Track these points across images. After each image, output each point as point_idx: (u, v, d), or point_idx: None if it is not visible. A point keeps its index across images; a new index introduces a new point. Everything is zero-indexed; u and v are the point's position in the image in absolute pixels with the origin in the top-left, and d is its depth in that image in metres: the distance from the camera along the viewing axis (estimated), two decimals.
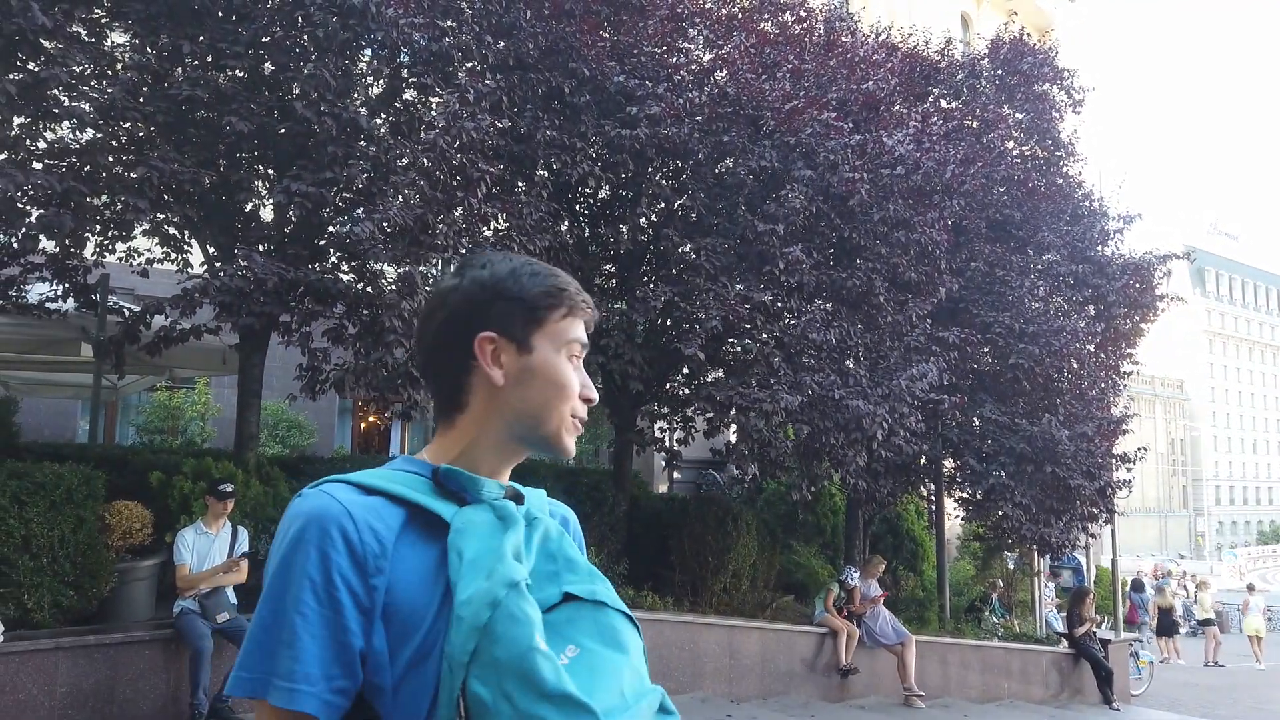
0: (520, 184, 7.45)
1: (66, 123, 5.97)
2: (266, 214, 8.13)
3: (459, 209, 6.08)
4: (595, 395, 1.20)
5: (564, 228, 7.93)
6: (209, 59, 6.32)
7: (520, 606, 0.98)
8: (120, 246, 8.87)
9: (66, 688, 6.24)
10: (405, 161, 5.93)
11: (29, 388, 11.95)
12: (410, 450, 18.22)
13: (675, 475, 16.06)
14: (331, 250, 6.67)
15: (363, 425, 18.68)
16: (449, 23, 6.60)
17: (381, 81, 7.13)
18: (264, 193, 6.22)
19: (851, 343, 8.50)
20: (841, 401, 8.02)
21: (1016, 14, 13.77)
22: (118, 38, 6.85)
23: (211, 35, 6.22)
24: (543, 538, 1.11)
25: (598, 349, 8.65)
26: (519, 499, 1.14)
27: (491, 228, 6.62)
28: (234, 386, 15.74)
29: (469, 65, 6.85)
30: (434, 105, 6.81)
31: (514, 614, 0.98)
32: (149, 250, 9.26)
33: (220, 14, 6.56)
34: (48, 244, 7.60)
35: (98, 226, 7.63)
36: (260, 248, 6.46)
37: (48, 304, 8.69)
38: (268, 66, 6.45)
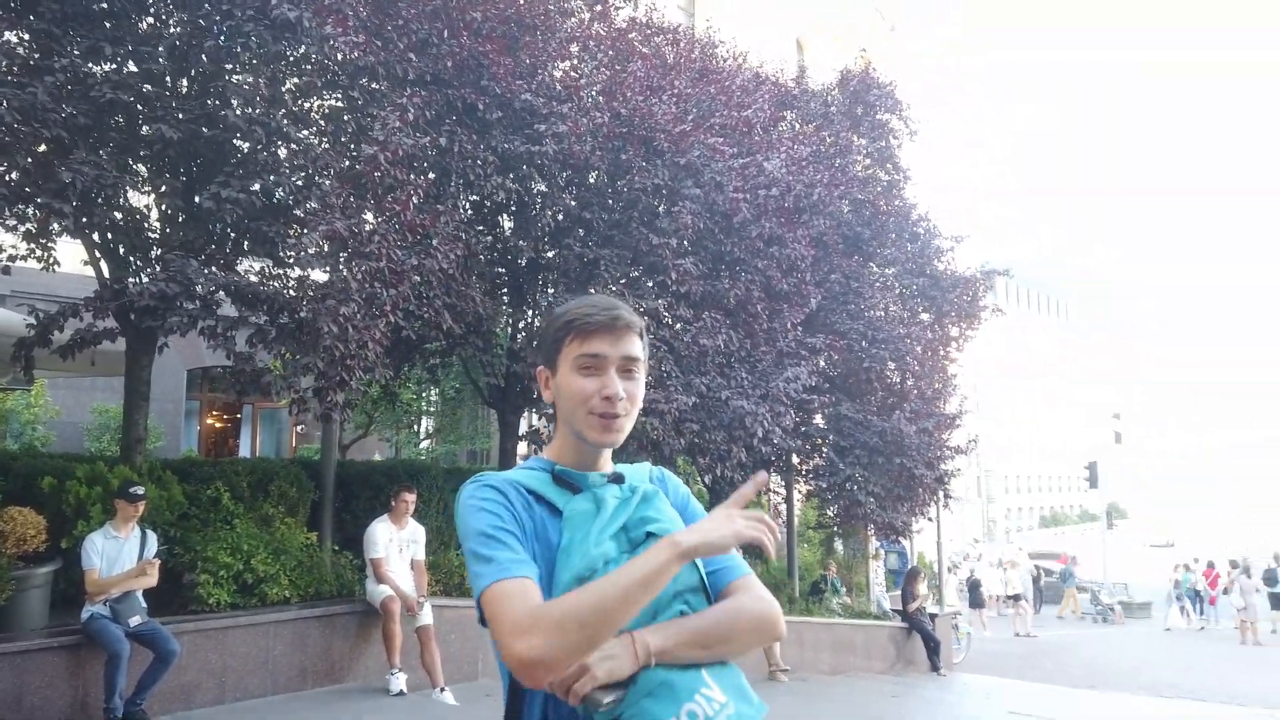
0: (439, 194, 7.73)
1: None
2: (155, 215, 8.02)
3: (395, 220, 6.35)
4: (615, 391, 1.54)
5: (473, 237, 8.25)
6: (130, 63, 6.28)
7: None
8: None
9: None
10: (347, 168, 6.12)
11: None
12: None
13: None
14: (257, 256, 6.75)
15: (205, 426, 18.04)
16: (374, 40, 6.82)
17: (295, 90, 7.24)
18: (199, 198, 6.22)
19: (734, 348, 9.29)
20: (727, 402, 8.78)
21: (864, 50, 15.12)
22: (10, 35, 6.63)
23: (134, 39, 6.20)
24: (641, 498, 1.57)
25: (489, 352, 9.06)
26: (620, 479, 1.59)
27: (417, 235, 6.89)
28: (69, 388, 14.94)
29: (387, 80, 7.09)
30: (350, 118, 7.00)
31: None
32: (14, 247, 8.84)
33: (134, 15, 6.51)
34: None
35: None
36: (180, 252, 6.47)
37: None
38: (191, 73, 6.48)
